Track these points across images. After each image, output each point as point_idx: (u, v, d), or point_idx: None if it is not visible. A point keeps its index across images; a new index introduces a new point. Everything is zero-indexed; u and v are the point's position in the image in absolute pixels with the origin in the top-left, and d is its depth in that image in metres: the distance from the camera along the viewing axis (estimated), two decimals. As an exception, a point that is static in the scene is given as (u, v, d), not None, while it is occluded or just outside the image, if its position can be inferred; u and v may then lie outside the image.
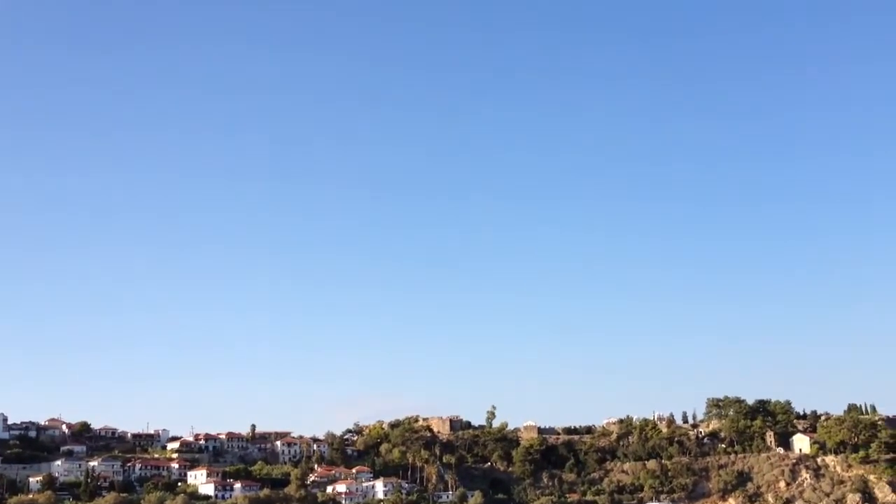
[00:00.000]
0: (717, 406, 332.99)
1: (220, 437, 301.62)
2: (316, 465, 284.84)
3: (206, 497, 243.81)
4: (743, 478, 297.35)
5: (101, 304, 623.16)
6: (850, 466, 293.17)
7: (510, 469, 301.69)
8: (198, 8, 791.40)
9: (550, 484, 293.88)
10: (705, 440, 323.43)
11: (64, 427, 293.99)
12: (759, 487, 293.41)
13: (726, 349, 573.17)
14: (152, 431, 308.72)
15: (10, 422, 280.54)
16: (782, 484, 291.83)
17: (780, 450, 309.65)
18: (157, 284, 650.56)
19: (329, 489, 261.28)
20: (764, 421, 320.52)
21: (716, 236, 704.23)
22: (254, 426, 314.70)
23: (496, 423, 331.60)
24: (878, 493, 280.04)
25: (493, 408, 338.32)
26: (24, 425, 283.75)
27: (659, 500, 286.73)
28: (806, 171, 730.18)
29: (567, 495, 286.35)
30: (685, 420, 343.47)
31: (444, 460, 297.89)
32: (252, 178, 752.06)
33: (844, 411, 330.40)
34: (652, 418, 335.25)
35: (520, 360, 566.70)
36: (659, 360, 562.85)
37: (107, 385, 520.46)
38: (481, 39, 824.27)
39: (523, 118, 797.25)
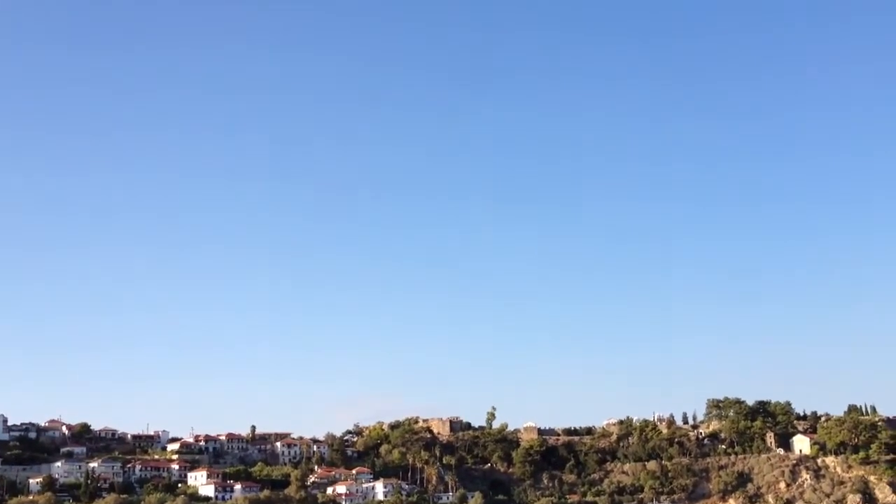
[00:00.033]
0: (718, 407, 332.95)
1: (221, 438, 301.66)
2: (316, 467, 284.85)
3: (207, 498, 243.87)
4: (743, 479, 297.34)
5: (100, 305, 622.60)
6: (850, 467, 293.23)
7: (510, 470, 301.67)
8: (198, 8, 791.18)
9: (551, 485, 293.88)
10: (705, 441, 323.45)
11: (64, 428, 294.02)
12: (759, 488, 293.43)
13: (726, 350, 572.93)
14: (152, 433, 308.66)
15: (9, 423, 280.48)
16: (782, 485, 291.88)
17: (781, 451, 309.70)
18: (157, 285, 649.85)
19: (329, 490, 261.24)
20: (764, 422, 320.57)
21: (716, 237, 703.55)
22: (254, 427, 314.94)
23: (496, 424, 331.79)
24: (879, 494, 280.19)
25: (494, 409, 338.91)
26: (23, 426, 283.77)
27: (659, 501, 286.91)
28: (806, 172, 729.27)
29: (567, 496, 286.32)
30: (685, 421, 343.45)
31: (445, 461, 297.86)
32: (252, 178, 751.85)
33: (844, 412, 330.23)
34: (652, 419, 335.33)
35: (520, 361, 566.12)
36: (659, 360, 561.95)
37: (107, 386, 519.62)
38: (481, 39, 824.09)
39: (523, 118, 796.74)
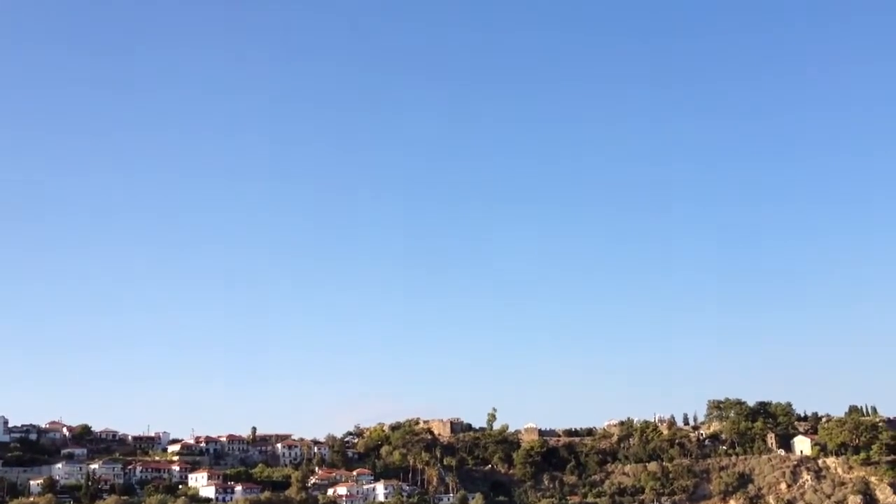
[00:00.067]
0: (718, 408, 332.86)
1: (221, 439, 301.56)
2: (317, 468, 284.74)
3: (207, 500, 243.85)
4: (744, 479, 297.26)
5: (101, 305, 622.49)
6: (851, 468, 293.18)
7: (511, 471, 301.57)
8: (197, 8, 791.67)
9: (551, 486, 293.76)
10: (706, 442, 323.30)
11: (64, 430, 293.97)
12: (760, 489, 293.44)
13: (727, 351, 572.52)
14: (153, 434, 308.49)
15: (10, 424, 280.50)
16: (783, 486, 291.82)
17: (781, 451, 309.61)
18: (158, 285, 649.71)
19: (330, 491, 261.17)
20: (765, 423, 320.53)
21: (716, 237, 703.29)
22: (254, 428, 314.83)
23: (497, 426, 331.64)
24: (880, 495, 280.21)
25: (494, 410, 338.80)
26: (24, 428, 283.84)
27: (660, 503, 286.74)
28: (806, 172, 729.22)
29: (568, 497, 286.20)
30: (686, 422, 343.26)
31: (445, 462, 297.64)
32: (252, 178, 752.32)
33: (845, 413, 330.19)
34: (653, 420, 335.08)
35: (520, 363, 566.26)
36: (659, 361, 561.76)
37: (107, 387, 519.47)
38: (481, 40, 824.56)
39: (523, 120, 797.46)
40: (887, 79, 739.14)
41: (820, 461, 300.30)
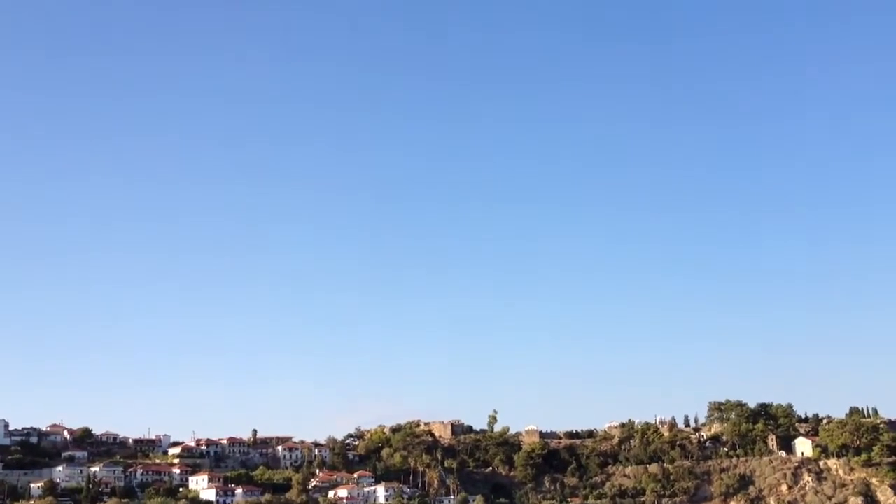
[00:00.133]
0: (719, 410, 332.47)
1: (222, 442, 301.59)
2: (317, 470, 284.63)
3: (208, 502, 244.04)
4: (745, 481, 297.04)
5: (101, 309, 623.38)
6: (852, 470, 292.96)
7: (512, 473, 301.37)
8: (197, 10, 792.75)
9: (552, 488, 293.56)
10: (707, 444, 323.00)
11: (65, 433, 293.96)
12: (760, 491, 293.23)
13: (728, 352, 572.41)
14: (153, 437, 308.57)
15: (11, 427, 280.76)
16: (784, 487, 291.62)
17: (782, 453, 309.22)
18: (158, 288, 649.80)
19: (330, 494, 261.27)
20: (766, 424, 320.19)
21: (716, 238, 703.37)
22: (255, 431, 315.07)
23: (498, 428, 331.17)
24: (881, 497, 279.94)
25: (495, 412, 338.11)
26: (25, 431, 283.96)
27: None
28: (806, 172, 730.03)
29: (569, 499, 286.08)
30: (687, 424, 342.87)
31: (446, 465, 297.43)
32: (252, 182, 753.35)
33: (846, 414, 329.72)
34: (654, 422, 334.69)
35: (521, 365, 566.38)
36: (660, 363, 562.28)
37: (108, 390, 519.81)
38: (481, 40, 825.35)
39: (523, 121, 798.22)
40: (887, 79, 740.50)
41: (821, 463, 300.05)
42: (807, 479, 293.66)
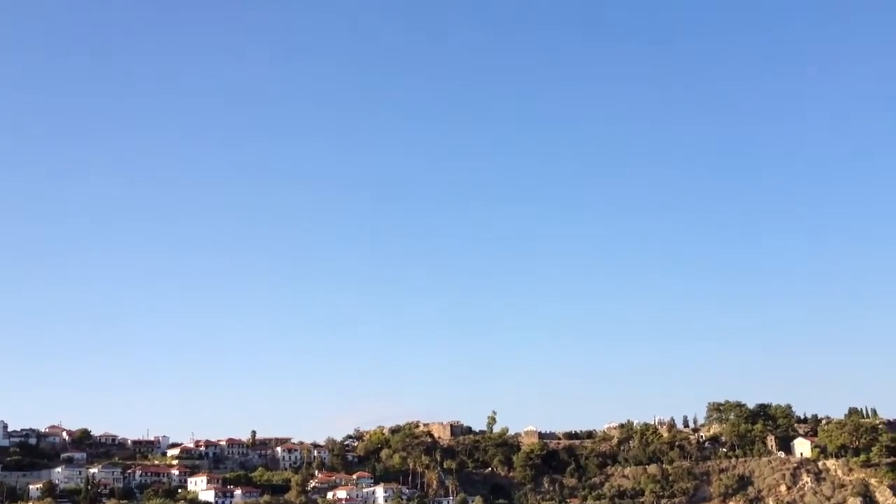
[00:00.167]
0: (718, 410, 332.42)
1: (221, 443, 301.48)
2: (316, 471, 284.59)
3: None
4: (744, 482, 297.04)
5: (100, 310, 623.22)
6: (851, 470, 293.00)
7: (511, 474, 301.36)
8: (197, 10, 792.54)
9: (551, 489, 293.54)
10: (706, 444, 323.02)
11: (64, 434, 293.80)
12: (760, 491, 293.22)
13: (727, 353, 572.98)
14: (152, 438, 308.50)
15: (10, 429, 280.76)
16: (783, 488, 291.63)
17: (781, 454, 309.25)
18: (157, 289, 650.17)
19: (329, 495, 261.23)
20: (765, 425, 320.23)
21: (715, 239, 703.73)
22: (254, 432, 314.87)
23: (497, 428, 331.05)
24: (880, 497, 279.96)
25: (494, 413, 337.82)
26: (24, 432, 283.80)
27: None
28: (806, 172, 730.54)
29: (568, 500, 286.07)
30: (686, 424, 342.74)
31: (445, 465, 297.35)
32: (251, 182, 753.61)
33: (845, 415, 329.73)
34: (653, 423, 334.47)
35: (520, 365, 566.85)
36: (659, 364, 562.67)
37: (107, 391, 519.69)
38: (481, 40, 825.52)
39: (523, 121, 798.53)
40: (887, 79, 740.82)
41: (820, 463, 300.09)
42: (806, 479, 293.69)
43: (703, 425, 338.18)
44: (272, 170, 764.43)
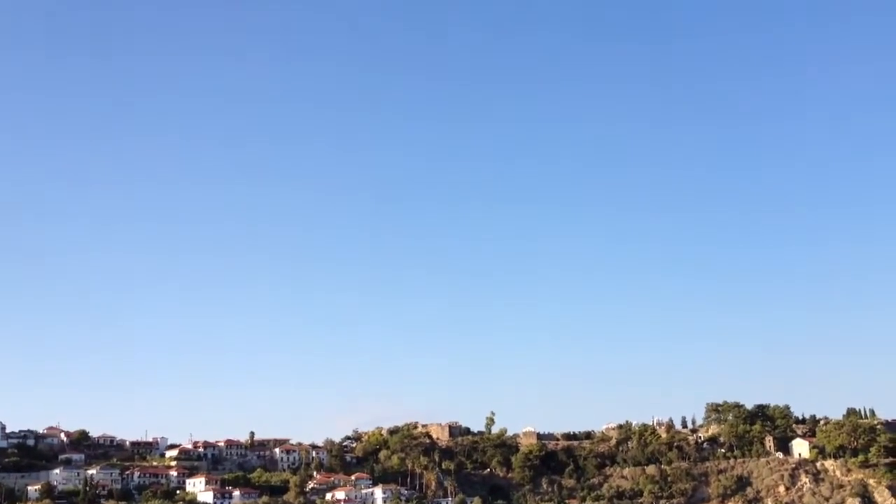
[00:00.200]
0: (717, 411, 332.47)
1: (219, 444, 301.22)
2: (315, 472, 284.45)
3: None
4: (742, 482, 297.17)
5: (99, 311, 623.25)
6: (849, 471, 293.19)
7: (509, 475, 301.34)
8: (197, 10, 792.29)
9: (550, 490, 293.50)
10: (704, 445, 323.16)
11: (62, 435, 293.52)
12: (758, 492, 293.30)
13: (725, 354, 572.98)
14: (151, 439, 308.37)
15: (7, 430, 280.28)
16: (782, 488, 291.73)
17: (780, 454, 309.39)
18: (156, 290, 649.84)
19: (328, 496, 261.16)
20: (763, 426, 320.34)
21: (715, 239, 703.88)
22: (252, 433, 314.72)
23: (495, 429, 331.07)
24: (878, 498, 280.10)
25: (493, 414, 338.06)
26: (22, 433, 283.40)
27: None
28: (806, 172, 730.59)
29: (567, 501, 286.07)
30: (684, 425, 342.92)
31: (444, 466, 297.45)
32: (252, 182, 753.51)
33: (843, 415, 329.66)
34: (651, 423, 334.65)
35: (519, 366, 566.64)
36: (658, 365, 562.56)
37: (105, 392, 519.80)
38: (481, 40, 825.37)
39: (523, 121, 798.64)
40: (887, 79, 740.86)
41: (818, 464, 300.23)
42: (804, 480, 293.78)
43: (701, 426, 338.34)
44: (272, 170, 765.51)
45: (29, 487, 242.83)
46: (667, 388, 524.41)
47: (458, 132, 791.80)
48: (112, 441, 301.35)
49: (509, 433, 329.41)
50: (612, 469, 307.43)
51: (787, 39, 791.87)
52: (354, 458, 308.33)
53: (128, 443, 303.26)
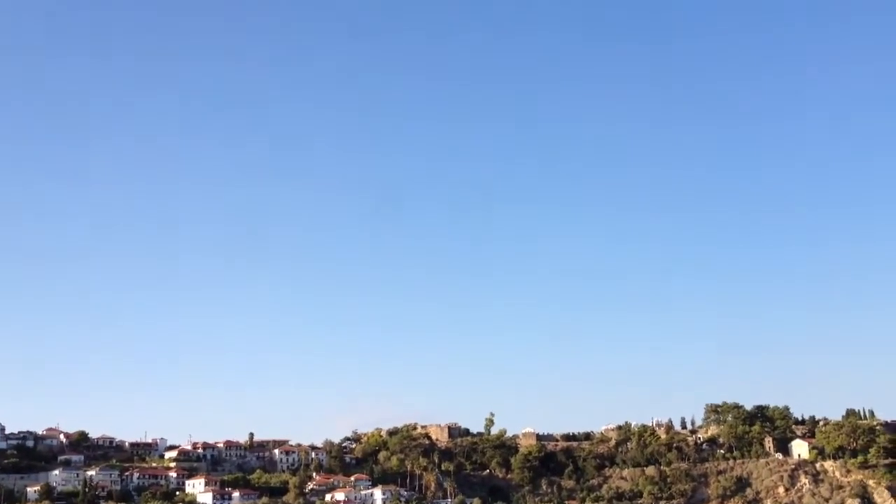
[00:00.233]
0: (716, 412, 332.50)
1: (219, 445, 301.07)
2: (314, 473, 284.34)
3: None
4: (742, 483, 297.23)
5: (98, 313, 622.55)
6: (848, 471, 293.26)
7: (509, 476, 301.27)
8: (196, 11, 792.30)
9: (549, 491, 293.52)
10: (704, 446, 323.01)
11: (61, 436, 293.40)
12: (758, 493, 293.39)
13: (725, 355, 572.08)
14: (150, 440, 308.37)
15: (7, 431, 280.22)
16: (781, 489, 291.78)
17: (779, 455, 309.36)
18: (157, 292, 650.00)
19: (328, 497, 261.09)
20: (762, 426, 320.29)
21: (716, 239, 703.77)
22: (252, 434, 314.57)
23: (495, 430, 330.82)
24: (878, 498, 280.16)
25: (492, 415, 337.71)
26: (21, 435, 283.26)
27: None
28: (806, 172, 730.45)
29: (566, 502, 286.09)
30: (684, 426, 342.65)
31: (443, 468, 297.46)
32: (251, 185, 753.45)
33: (843, 416, 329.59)
34: (650, 424, 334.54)
35: (518, 367, 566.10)
36: (657, 366, 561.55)
37: (105, 393, 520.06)
38: (481, 40, 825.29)
39: (523, 121, 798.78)
40: (887, 79, 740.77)
41: (818, 465, 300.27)
42: (804, 481, 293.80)
43: (701, 427, 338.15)
44: (272, 170, 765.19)
45: (28, 488, 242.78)
46: (666, 389, 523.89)
47: (458, 132, 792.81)
48: (111, 442, 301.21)
49: (509, 434, 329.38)
50: (611, 470, 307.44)
51: (787, 39, 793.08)
52: (354, 460, 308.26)
53: (127, 444, 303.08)
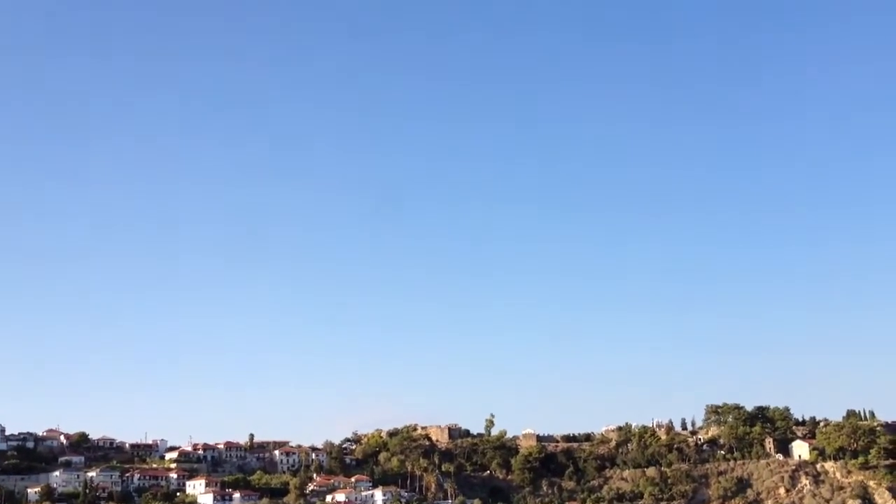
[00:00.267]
0: (716, 413, 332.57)
1: (219, 446, 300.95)
2: (315, 475, 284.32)
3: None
4: (742, 484, 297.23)
5: (99, 314, 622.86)
6: (849, 472, 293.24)
7: (509, 477, 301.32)
8: (196, 11, 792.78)
9: (550, 492, 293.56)
10: (704, 447, 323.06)
11: (62, 437, 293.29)
12: (758, 494, 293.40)
13: (725, 356, 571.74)
14: (150, 441, 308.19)
15: (7, 433, 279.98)
16: (782, 490, 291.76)
17: (780, 456, 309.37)
18: (157, 292, 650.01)
19: (328, 498, 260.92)
20: (763, 427, 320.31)
21: (716, 239, 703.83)
22: (252, 435, 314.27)
23: (495, 431, 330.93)
24: (878, 499, 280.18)
25: (492, 416, 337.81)
26: (21, 436, 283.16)
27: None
28: (806, 173, 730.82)
29: (567, 503, 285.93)
30: (684, 427, 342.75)
31: (443, 469, 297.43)
32: (251, 185, 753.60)
33: (843, 417, 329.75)
34: (651, 425, 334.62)
35: (518, 368, 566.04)
36: (658, 367, 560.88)
37: (105, 394, 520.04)
38: (480, 40, 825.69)
39: (523, 121, 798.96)
40: (887, 79, 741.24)
41: (818, 465, 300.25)
42: (804, 481, 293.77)
43: (701, 428, 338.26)
44: (272, 170, 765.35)
45: (29, 490, 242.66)
46: (666, 390, 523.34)
47: (458, 132, 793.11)
48: (112, 443, 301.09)
49: (509, 435, 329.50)
50: (611, 471, 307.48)
51: (787, 40, 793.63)
52: (354, 461, 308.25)
53: (127, 445, 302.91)
